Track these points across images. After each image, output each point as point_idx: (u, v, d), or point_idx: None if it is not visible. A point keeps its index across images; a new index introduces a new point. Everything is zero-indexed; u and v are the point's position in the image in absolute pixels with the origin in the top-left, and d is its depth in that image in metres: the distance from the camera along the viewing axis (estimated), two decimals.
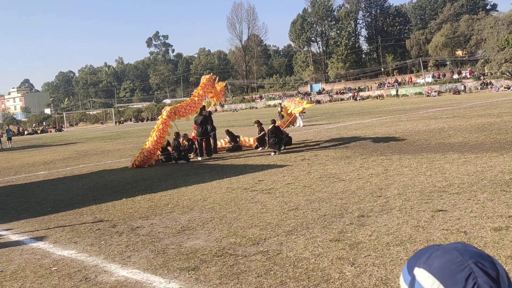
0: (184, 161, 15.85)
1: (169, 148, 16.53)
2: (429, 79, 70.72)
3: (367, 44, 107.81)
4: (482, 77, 62.42)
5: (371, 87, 77.31)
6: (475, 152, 11.74)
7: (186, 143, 16.41)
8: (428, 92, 63.06)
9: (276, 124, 16.36)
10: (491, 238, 5.40)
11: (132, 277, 5.26)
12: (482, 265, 1.01)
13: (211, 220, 7.52)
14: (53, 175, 15.65)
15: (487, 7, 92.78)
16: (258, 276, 4.92)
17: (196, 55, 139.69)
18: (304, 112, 29.92)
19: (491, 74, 60.86)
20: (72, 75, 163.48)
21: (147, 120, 79.98)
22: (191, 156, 16.77)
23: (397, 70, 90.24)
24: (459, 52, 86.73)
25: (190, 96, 17.89)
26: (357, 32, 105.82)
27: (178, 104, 17.78)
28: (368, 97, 71.69)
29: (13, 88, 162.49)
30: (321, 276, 4.77)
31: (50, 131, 72.19)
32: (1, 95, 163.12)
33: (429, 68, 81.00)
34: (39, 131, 72.00)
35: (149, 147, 15.67)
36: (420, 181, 8.93)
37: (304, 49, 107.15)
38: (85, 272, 5.59)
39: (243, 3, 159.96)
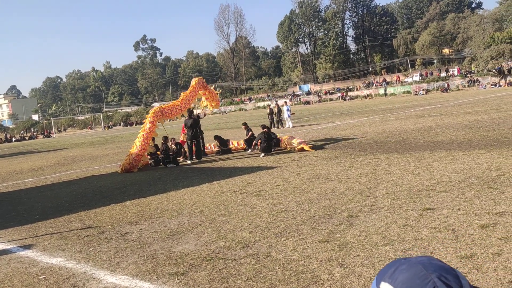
0: (173, 165, 15.80)
1: (158, 152, 16.49)
2: (417, 78, 71.14)
3: (354, 44, 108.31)
4: (469, 75, 62.93)
5: (359, 87, 77.61)
6: (463, 150, 11.82)
7: (174, 147, 16.36)
8: (416, 91, 63.45)
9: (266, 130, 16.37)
10: (479, 235, 5.43)
11: (121, 284, 5.22)
12: (445, 279, 1.02)
13: (200, 224, 7.50)
14: (41, 182, 15.52)
15: (472, 5, 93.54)
16: (247, 280, 4.91)
17: (184, 58, 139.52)
18: (293, 113, 30.06)
19: (478, 71, 61.39)
20: (59, 80, 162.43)
21: (136, 124, 79.57)
22: (180, 160, 16.73)
23: (385, 70, 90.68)
24: (445, 51, 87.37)
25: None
26: (344, 32, 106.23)
27: (166, 104, 17.71)
28: (356, 97, 71.99)
29: (0, 94, 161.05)
30: (310, 277, 4.77)
31: (38, 137, 71.62)
32: None
33: (416, 67, 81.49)
34: (27, 138, 71.43)
35: (136, 151, 15.58)
36: (409, 180, 8.97)
37: (292, 50, 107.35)
38: (74, 280, 5.54)
39: (230, 5, 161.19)
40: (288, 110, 29.07)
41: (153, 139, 16.53)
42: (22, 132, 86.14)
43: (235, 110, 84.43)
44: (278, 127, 28.26)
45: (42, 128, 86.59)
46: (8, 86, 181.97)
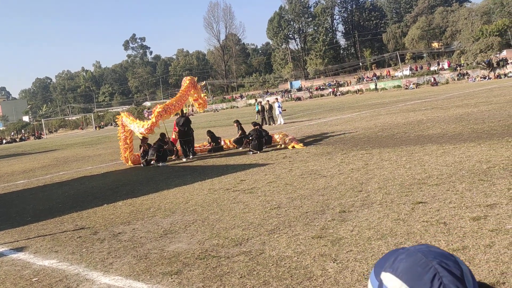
0: (164, 163, 15.77)
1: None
2: (407, 72, 71.47)
3: (344, 40, 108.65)
4: (458, 68, 63.27)
5: (350, 82, 77.79)
6: (453, 143, 11.89)
7: (170, 146, 16.49)
8: (406, 85, 63.70)
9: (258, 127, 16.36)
10: (470, 227, 5.47)
11: (114, 284, 5.21)
12: (446, 265, 1.03)
13: (193, 222, 7.49)
14: (32, 183, 15.43)
15: None
16: (241, 277, 4.91)
17: (174, 57, 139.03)
18: (284, 110, 30.07)
19: (467, 64, 61.72)
20: (49, 81, 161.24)
21: None
22: (173, 158, 16.73)
23: (375, 64, 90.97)
24: (435, 44, 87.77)
25: (171, 97, 17.70)
26: (334, 28, 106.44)
27: (167, 102, 17.63)
28: (347, 92, 72.16)
29: None
30: (303, 273, 4.78)
31: (29, 139, 71.13)
32: None
33: (406, 61, 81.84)
34: (17, 139, 70.88)
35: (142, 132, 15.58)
36: (400, 174, 9.01)
37: (283, 47, 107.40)
38: (66, 281, 5.52)
39: (219, 3, 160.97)
40: (279, 107, 29.08)
41: (146, 139, 16.51)
42: (12, 133, 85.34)
43: (227, 108, 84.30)
44: (269, 124, 28.27)
45: (33, 129, 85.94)
46: None
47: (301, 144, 15.59)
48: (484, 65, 58.25)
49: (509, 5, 74.52)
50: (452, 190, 7.22)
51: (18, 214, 10.22)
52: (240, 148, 17.07)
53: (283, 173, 10.90)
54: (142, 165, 16.24)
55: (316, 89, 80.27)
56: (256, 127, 16.22)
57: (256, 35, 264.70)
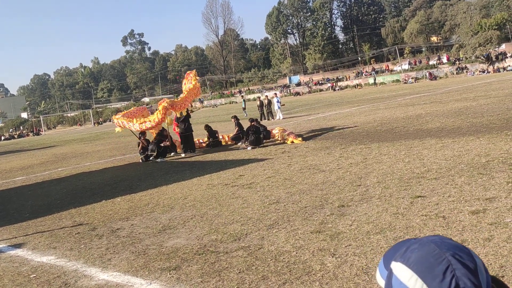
0: (163, 159, 15.78)
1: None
2: (406, 66, 71.33)
3: (343, 34, 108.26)
4: (457, 62, 63.17)
5: (349, 76, 77.66)
6: (452, 137, 11.87)
7: (168, 143, 16.45)
8: (405, 79, 63.62)
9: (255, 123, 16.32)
10: (469, 221, 5.45)
11: (113, 280, 5.19)
12: (460, 257, 1.00)
13: (192, 218, 7.47)
14: (31, 180, 15.40)
15: None
16: (239, 272, 4.90)
17: (173, 52, 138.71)
18: (283, 105, 30.01)
19: (466, 58, 61.62)
20: (47, 77, 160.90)
21: None
22: (171, 155, 16.71)
23: (374, 59, 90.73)
24: (434, 38, 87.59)
25: (173, 93, 17.73)
26: (332, 23, 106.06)
27: (176, 99, 17.67)
28: (346, 86, 72.02)
29: None
30: (302, 268, 4.76)
31: (28, 136, 71.03)
32: None
33: (405, 55, 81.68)
34: (16, 136, 70.82)
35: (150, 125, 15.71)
36: (399, 168, 8.99)
37: (281, 42, 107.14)
38: (65, 277, 5.50)
39: None
40: (278, 102, 29.03)
41: (144, 133, 16.53)
42: (11, 130, 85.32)
43: (226, 103, 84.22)
44: (268, 119, 28.24)
45: (32, 126, 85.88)
46: None
47: (300, 139, 15.56)
48: (483, 59, 58.15)
49: None
50: (451, 184, 7.20)
51: (16, 211, 10.20)
52: (239, 144, 17.04)
53: (282, 168, 10.88)
54: (141, 160, 16.21)
55: (315, 84, 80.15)
56: (252, 123, 16.18)
57: (254, 30, 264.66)
